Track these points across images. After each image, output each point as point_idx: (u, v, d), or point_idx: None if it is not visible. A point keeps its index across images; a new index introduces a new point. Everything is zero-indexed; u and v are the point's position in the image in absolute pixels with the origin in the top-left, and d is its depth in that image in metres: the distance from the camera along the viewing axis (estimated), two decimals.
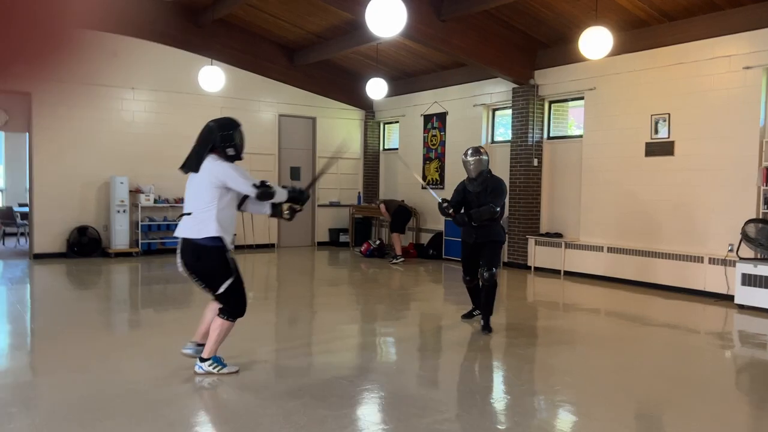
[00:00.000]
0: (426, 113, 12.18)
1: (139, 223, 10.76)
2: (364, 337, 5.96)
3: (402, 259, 10.86)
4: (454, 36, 9.18)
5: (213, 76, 9.56)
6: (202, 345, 4.29)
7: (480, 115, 11.03)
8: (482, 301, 5.77)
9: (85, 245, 10.41)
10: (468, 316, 6.25)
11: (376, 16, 5.95)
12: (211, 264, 4.05)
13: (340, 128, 13.44)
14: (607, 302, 7.69)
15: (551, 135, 9.95)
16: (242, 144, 4.27)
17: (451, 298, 7.95)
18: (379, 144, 13.86)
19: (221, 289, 4.08)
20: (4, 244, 12.23)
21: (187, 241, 4.10)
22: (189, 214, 4.12)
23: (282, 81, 12.52)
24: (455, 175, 11.54)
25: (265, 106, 12.47)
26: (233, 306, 4.15)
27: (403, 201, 12.05)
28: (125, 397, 3.85)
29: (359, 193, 13.54)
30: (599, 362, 5.01)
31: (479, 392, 4.27)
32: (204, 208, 4.06)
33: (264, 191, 4.09)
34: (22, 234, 12.31)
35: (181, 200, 11.10)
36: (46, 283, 8.72)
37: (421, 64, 11.79)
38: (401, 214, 11.28)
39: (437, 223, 11.66)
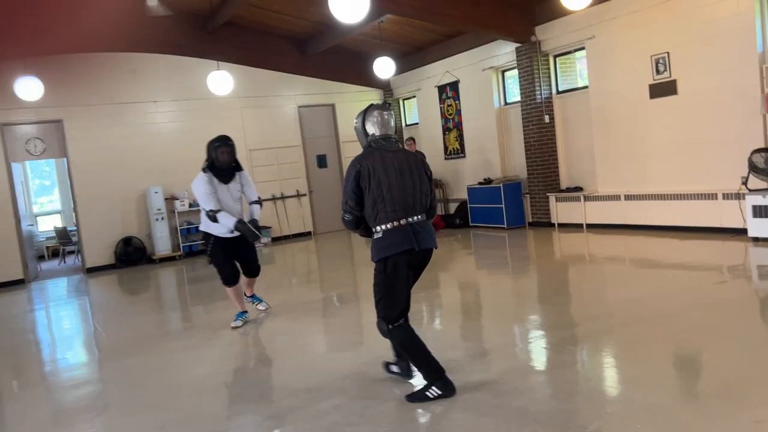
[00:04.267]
0: (439, 84, 12.25)
1: (178, 228, 11.40)
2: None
3: None
4: (445, 6, 9.22)
5: (221, 80, 9.94)
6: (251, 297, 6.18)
7: (490, 79, 11.02)
8: None
9: (131, 254, 11.14)
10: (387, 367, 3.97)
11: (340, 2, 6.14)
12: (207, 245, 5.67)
13: (359, 111, 13.64)
14: (630, 250, 7.67)
15: (560, 89, 9.86)
16: (219, 158, 5.41)
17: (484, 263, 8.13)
18: (400, 121, 14.02)
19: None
20: (65, 262, 13.17)
21: None
22: None
23: (296, 73, 12.84)
24: (475, 142, 11.61)
25: (283, 99, 12.83)
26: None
27: None
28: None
29: None
30: (628, 305, 5.14)
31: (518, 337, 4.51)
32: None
33: (210, 215, 5.31)
34: (78, 251, 13.21)
35: None
36: (100, 293, 9.45)
37: (428, 36, 11.82)
38: None
39: (462, 192, 11.78)
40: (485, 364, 4.04)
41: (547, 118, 9.78)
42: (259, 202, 5.76)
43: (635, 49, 8.28)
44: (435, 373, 3.42)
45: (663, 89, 8.00)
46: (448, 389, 3.40)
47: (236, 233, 5.36)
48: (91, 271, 10.99)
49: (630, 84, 8.42)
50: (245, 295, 6.11)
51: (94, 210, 11.02)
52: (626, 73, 8.46)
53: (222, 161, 5.41)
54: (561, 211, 9.73)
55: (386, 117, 3.60)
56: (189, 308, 7.67)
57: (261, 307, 6.23)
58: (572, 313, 5.26)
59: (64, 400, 4.40)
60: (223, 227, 5.35)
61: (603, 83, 8.86)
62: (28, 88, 8.94)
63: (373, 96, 13.82)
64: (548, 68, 9.84)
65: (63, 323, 7.55)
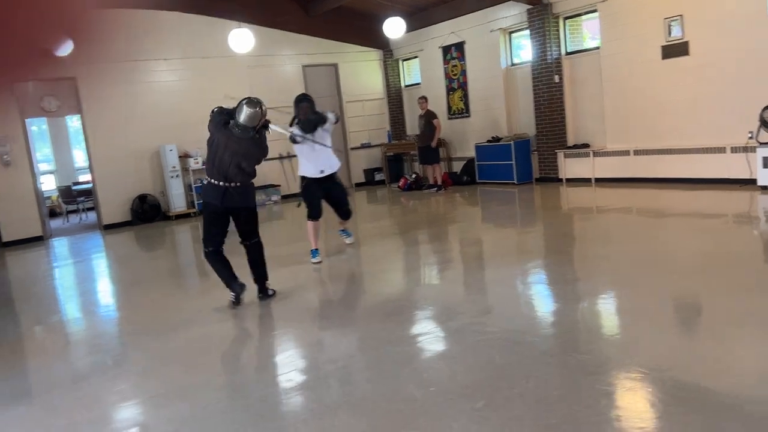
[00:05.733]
0: (444, 45, 12.57)
1: (192, 185, 11.57)
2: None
3: (443, 188, 11.48)
4: None
5: (242, 38, 10.06)
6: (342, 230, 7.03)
7: (497, 40, 11.42)
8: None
9: (147, 211, 11.29)
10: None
11: None
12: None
13: (360, 71, 13.91)
14: (639, 201, 8.32)
15: (569, 50, 10.35)
16: (300, 112, 6.16)
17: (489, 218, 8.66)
18: (400, 81, 14.30)
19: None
20: (68, 221, 13.16)
21: None
22: None
23: (301, 32, 12.96)
24: (480, 102, 12.05)
25: (287, 59, 12.96)
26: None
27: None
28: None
29: (388, 131, 14.11)
30: (636, 248, 5.71)
31: (529, 281, 5.03)
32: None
33: (291, 137, 6.09)
34: (83, 210, 13.22)
35: None
36: (122, 248, 9.63)
37: None
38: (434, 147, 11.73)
39: (466, 150, 12.25)
40: (488, 310, 4.52)
41: (557, 78, 10.28)
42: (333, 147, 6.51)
43: (648, 12, 8.80)
44: (226, 283, 4.89)
45: (675, 50, 8.57)
46: (235, 291, 4.89)
47: (324, 174, 6.25)
48: (108, 228, 11.10)
49: (642, 45, 8.96)
50: (340, 229, 7.07)
51: (109, 168, 11.08)
52: (639, 34, 8.98)
53: (302, 116, 6.16)
54: (569, 166, 10.32)
55: (253, 112, 4.64)
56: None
57: (348, 240, 7.03)
58: (582, 259, 5.83)
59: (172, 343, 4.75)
60: (313, 169, 6.22)
61: (615, 45, 9.37)
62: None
63: (373, 56, 14.05)
64: (558, 30, 10.30)
65: (114, 274, 7.78)
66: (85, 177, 14.32)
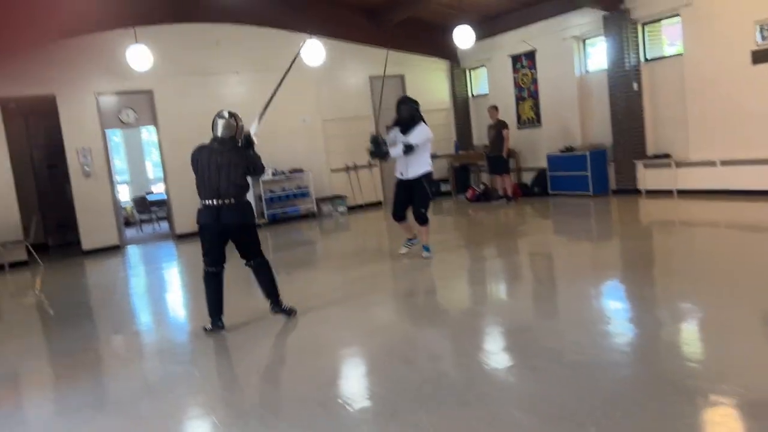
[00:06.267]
0: (513, 53, 12.31)
1: (262, 196, 11.69)
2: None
3: (513, 200, 11.20)
4: None
5: (315, 49, 10.11)
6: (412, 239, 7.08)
7: (570, 48, 11.08)
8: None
9: None
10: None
11: None
12: None
13: (427, 81, 13.80)
14: (727, 215, 7.84)
15: (648, 57, 9.92)
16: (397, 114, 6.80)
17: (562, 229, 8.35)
18: (466, 91, 14.11)
19: None
20: (142, 230, 13.55)
21: None
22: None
23: (368, 44, 12.97)
24: (552, 111, 11.71)
25: (354, 70, 12.99)
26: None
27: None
28: None
29: (455, 141, 13.92)
30: (728, 266, 5.32)
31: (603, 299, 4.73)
32: None
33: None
34: (156, 219, 13.59)
35: (294, 171, 12.05)
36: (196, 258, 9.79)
37: (503, 4, 11.86)
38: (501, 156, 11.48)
39: (537, 161, 11.92)
40: (559, 331, 4.20)
41: (635, 86, 9.86)
42: (406, 149, 6.60)
43: (737, 16, 8.33)
44: (210, 312, 4.81)
45: (767, 55, 8.06)
46: (213, 327, 4.82)
47: (401, 177, 6.75)
48: (181, 237, 11.34)
49: (730, 50, 8.48)
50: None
51: (182, 178, 11.29)
52: (726, 39, 8.51)
53: (400, 117, 6.80)
54: (649, 177, 9.86)
55: (225, 122, 4.97)
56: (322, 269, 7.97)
57: (425, 255, 6.85)
58: (675, 278, 5.46)
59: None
60: (396, 170, 6.85)
61: (700, 50, 8.91)
62: (139, 57, 9.16)
63: (440, 66, 13.92)
64: (636, 36, 9.89)
65: (189, 284, 7.89)
66: (157, 188, 14.75)
